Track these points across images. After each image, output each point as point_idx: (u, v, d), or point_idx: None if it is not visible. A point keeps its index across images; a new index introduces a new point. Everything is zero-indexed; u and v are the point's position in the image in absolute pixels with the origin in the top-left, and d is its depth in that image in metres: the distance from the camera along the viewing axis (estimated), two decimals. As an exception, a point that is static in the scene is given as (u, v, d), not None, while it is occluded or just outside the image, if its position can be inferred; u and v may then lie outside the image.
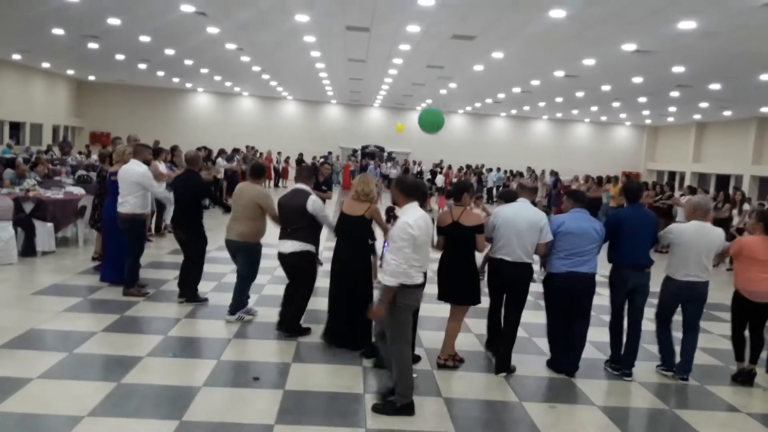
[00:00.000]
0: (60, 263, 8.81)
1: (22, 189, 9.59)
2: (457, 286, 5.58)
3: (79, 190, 10.62)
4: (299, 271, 6.14)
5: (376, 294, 5.33)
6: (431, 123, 7.75)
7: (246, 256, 6.54)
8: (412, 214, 4.55)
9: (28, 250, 8.91)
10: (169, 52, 18.45)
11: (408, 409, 4.64)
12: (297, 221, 6.03)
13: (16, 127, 25.18)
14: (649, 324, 6.09)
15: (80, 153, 22.07)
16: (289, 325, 6.24)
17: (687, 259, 5.60)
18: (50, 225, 9.17)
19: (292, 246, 6.02)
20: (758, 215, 5.94)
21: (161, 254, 9.81)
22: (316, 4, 11.35)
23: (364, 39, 14.23)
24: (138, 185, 7.15)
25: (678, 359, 5.84)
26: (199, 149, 14.90)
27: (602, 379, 5.74)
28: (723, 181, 27.21)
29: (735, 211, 13.00)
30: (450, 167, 28.40)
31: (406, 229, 4.45)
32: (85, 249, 9.86)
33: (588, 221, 5.62)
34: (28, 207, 9.05)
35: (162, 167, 9.68)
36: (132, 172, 7.17)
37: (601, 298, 6.68)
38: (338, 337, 5.88)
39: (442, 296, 5.69)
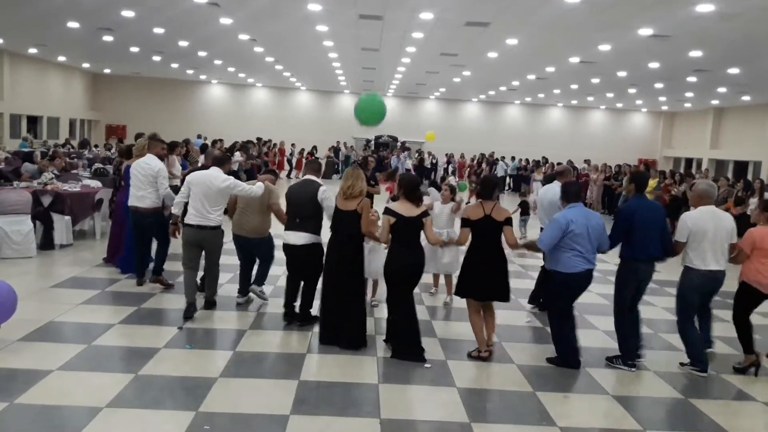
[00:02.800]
0: (78, 256, 8.92)
1: (40, 182, 9.73)
2: (491, 283, 5.53)
3: (96, 183, 10.74)
4: (310, 263, 6.12)
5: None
6: (370, 113, 6.94)
7: (264, 248, 6.70)
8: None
9: (46, 243, 9.02)
10: (183, 43, 18.51)
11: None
12: (307, 211, 6.05)
13: (33, 121, 25.43)
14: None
15: (105, 147, 22.08)
16: (302, 315, 6.29)
17: (706, 247, 5.46)
18: (68, 218, 9.28)
19: (303, 238, 6.02)
20: (762, 204, 5.81)
21: (176, 246, 9.85)
22: (328, -6, 11.33)
23: (376, 27, 14.16)
24: (153, 178, 7.14)
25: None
26: (214, 143, 14.90)
27: (616, 368, 5.70)
28: (741, 167, 26.82)
29: (753, 200, 12.76)
30: (462, 156, 28.30)
31: None
32: (102, 242, 9.95)
33: (593, 218, 5.53)
34: (46, 200, 9.16)
35: (176, 163, 9.69)
36: (149, 166, 7.15)
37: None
38: (330, 332, 5.78)
39: (472, 294, 5.62)
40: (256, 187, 6.46)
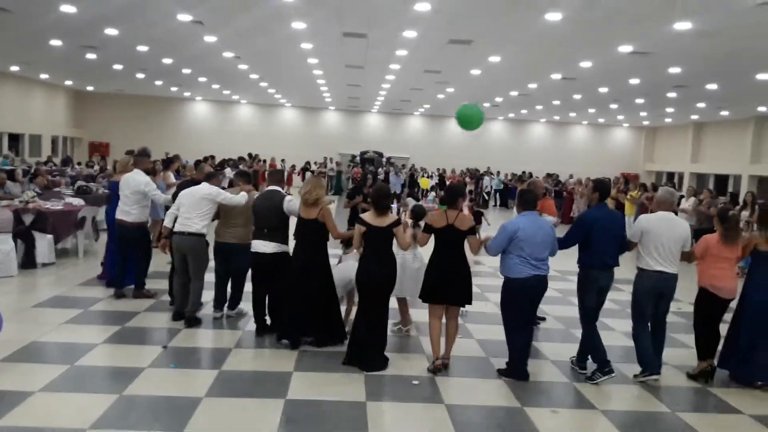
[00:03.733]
0: (60, 275, 8.81)
1: (22, 201, 9.61)
2: (455, 287, 5.60)
3: (78, 201, 10.63)
4: (276, 271, 6.24)
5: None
6: (470, 118, 7.45)
7: (242, 256, 6.64)
8: None
9: (28, 262, 8.91)
10: (167, 61, 18.49)
11: None
12: (273, 222, 6.22)
13: (15, 138, 25.19)
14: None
15: (87, 164, 21.84)
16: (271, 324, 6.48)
17: (658, 250, 5.56)
18: (50, 236, 9.17)
19: (270, 246, 6.19)
20: (720, 216, 5.92)
21: (162, 263, 9.78)
22: (313, 12, 11.37)
23: (361, 45, 14.26)
24: (140, 193, 7.43)
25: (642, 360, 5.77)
26: (206, 159, 14.89)
27: (605, 383, 5.71)
28: (722, 181, 27.23)
29: (746, 213, 12.80)
30: (453, 171, 28.49)
31: None
32: (85, 260, 9.86)
33: (543, 226, 5.57)
34: (27, 219, 9.06)
35: (171, 177, 9.86)
36: (134, 181, 7.45)
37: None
38: (298, 331, 6.04)
39: (437, 298, 5.67)
40: (239, 196, 6.60)
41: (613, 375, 5.64)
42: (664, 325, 5.87)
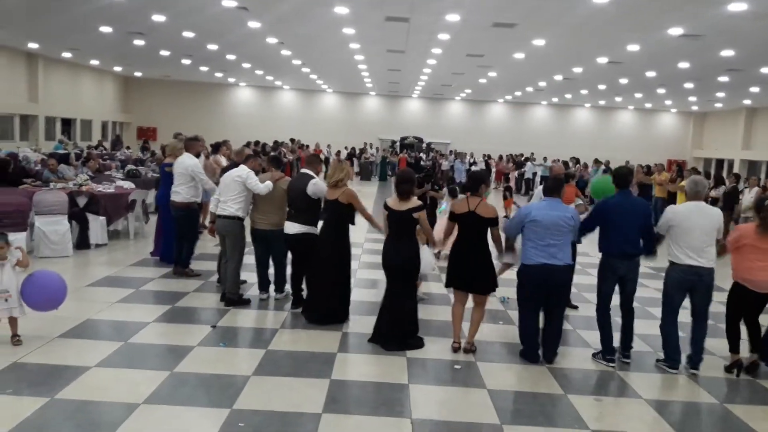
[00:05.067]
0: (112, 256, 9.12)
1: (76, 184, 9.96)
2: (476, 276, 5.62)
3: (129, 185, 10.96)
4: (302, 252, 6.48)
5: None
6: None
7: (279, 242, 6.76)
8: None
9: (82, 242, 9.24)
10: (212, 47, 18.76)
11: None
12: (299, 203, 6.45)
13: (67, 123, 25.99)
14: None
15: (140, 149, 22.27)
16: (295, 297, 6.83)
17: (688, 242, 5.38)
18: (103, 218, 9.50)
19: (295, 228, 6.43)
20: (757, 205, 5.73)
21: (208, 246, 10.02)
22: (356, -4, 11.39)
23: (403, 29, 14.19)
24: (188, 176, 7.70)
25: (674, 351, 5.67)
26: (248, 144, 15.12)
27: (649, 372, 5.65)
28: (775, 168, 26.26)
29: None
30: (501, 158, 28.01)
31: None
32: (135, 242, 10.18)
33: (557, 210, 5.48)
34: (81, 201, 9.39)
35: (223, 161, 10.01)
36: (183, 164, 7.76)
37: (648, 290, 6.54)
38: (318, 312, 6.31)
39: (459, 285, 5.73)
40: (264, 186, 6.69)
41: (612, 366, 5.63)
42: (703, 321, 5.58)
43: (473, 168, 26.44)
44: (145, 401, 4.42)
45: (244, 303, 6.88)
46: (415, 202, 5.75)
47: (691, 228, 5.40)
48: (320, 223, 6.50)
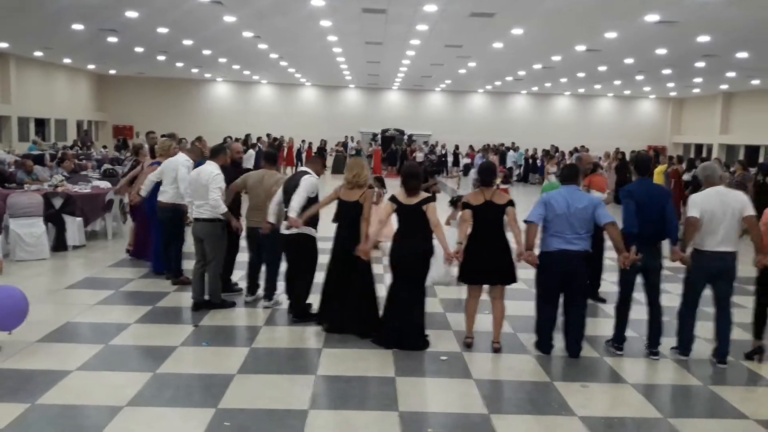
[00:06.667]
0: (91, 257, 8.97)
1: (51, 185, 9.77)
2: (497, 267, 5.52)
3: (105, 184, 10.77)
4: (298, 253, 6.19)
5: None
6: None
7: (271, 240, 6.53)
8: None
9: (59, 244, 9.07)
10: (187, 42, 18.53)
11: None
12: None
13: (41, 123, 25.56)
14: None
15: (115, 148, 21.90)
16: (297, 310, 6.30)
17: (712, 228, 5.31)
18: (80, 219, 9.33)
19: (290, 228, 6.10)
20: None
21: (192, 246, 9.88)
22: (332, -12, 11.29)
23: (380, 21, 14.12)
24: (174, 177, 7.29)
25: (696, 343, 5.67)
26: (225, 140, 14.91)
27: (634, 357, 5.66)
28: (753, 151, 26.59)
29: None
30: (472, 148, 28.03)
31: None
32: (114, 242, 10.02)
33: (575, 198, 5.43)
34: (57, 202, 9.21)
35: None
36: (177, 164, 7.32)
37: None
38: (338, 322, 5.90)
39: (478, 281, 5.62)
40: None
41: (620, 353, 5.64)
42: (727, 309, 5.50)
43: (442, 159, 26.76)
44: (129, 403, 4.34)
45: (229, 306, 6.70)
46: (423, 195, 5.56)
47: (716, 213, 5.31)
48: (318, 225, 6.23)
